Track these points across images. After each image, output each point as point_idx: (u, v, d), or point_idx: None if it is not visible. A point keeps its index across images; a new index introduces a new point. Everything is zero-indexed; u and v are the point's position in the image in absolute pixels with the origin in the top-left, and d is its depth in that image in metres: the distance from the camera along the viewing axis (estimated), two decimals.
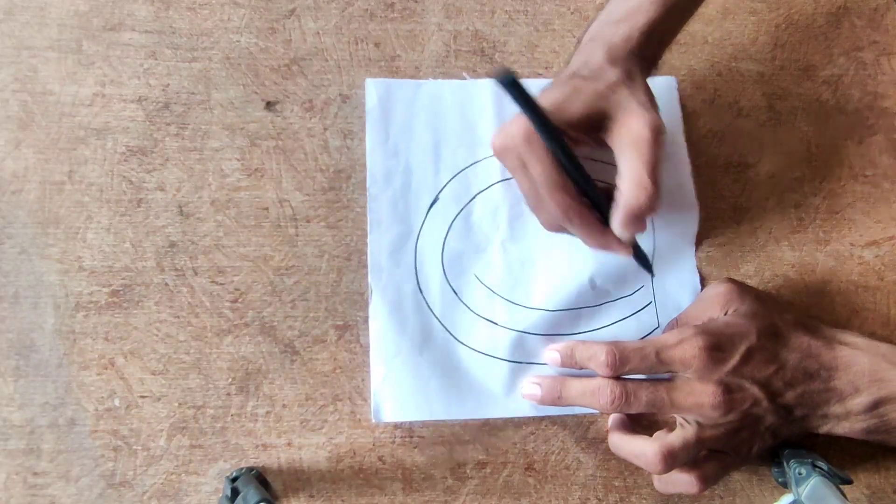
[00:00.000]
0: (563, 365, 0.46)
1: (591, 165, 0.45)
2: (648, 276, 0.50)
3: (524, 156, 0.42)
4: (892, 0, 0.58)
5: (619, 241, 0.44)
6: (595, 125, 0.43)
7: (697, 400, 0.42)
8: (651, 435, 0.43)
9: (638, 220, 0.43)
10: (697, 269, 0.51)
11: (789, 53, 0.56)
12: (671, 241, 0.51)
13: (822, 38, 0.57)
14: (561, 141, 0.41)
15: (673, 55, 0.55)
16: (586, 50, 0.45)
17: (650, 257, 0.50)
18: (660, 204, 0.42)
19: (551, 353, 0.46)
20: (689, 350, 0.42)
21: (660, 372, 0.43)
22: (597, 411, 0.47)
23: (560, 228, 0.45)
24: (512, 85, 0.37)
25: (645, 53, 0.45)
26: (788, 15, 0.57)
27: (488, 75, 0.37)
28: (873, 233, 0.53)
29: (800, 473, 0.43)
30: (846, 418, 0.43)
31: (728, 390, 0.42)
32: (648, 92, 0.44)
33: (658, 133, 0.41)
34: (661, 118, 0.42)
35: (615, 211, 0.43)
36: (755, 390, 0.42)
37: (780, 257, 0.52)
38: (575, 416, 0.47)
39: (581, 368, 0.45)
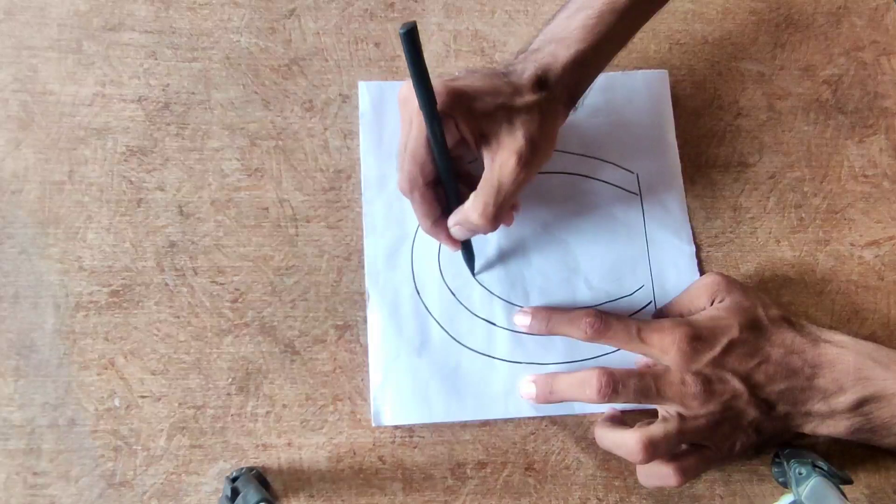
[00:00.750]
0: (533, 329, 0.47)
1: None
2: (647, 276, 0.50)
3: (413, 117, 0.43)
4: (893, 0, 0.58)
5: (448, 234, 0.46)
6: (485, 130, 0.43)
7: (679, 389, 0.42)
8: None
9: (468, 230, 0.45)
10: (698, 268, 0.51)
11: (789, 53, 0.56)
12: (668, 241, 0.51)
13: (822, 38, 0.57)
14: (435, 121, 0.41)
15: (673, 55, 0.55)
16: (526, 60, 0.45)
17: (473, 251, 0.49)
18: (490, 230, 0.44)
19: (522, 317, 0.47)
20: (668, 336, 0.43)
21: (637, 350, 0.44)
22: (594, 410, 0.47)
23: (406, 194, 0.46)
24: (410, 42, 0.37)
25: (571, 81, 0.45)
26: (788, 15, 0.57)
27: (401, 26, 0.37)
28: (873, 233, 0.53)
29: (800, 473, 0.43)
30: (830, 416, 0.44)
31: (707, 381, 0.42)
32: (546, 130, 0.44)
33: (524, 173, 0.42)
34: (524, 177, 0.43)
35: (456, 212, 0.45)
36: (736, 383, 0.43)
37: (780, 257, 0.52)
38: (575, 416, 0.47)
39: (554, 333, 0.47)
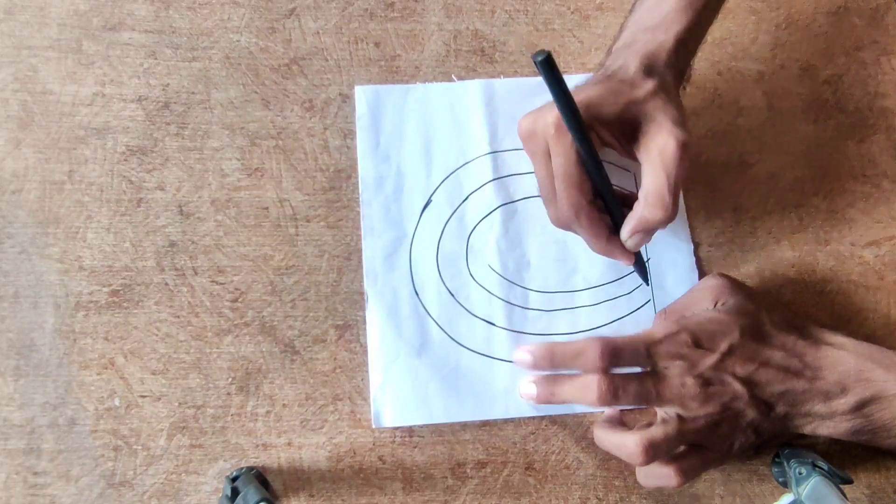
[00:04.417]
0: (535, 367, 0.44)
1: (611, 170, 0.47)
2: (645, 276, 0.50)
3: (550, 144, 0.43)
4: (893, 0, 0.58)
5: (623, 248, 0.46)
6: (625, 131, 0.44)
7: (679, 392, 0.42)
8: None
9: (649, 233, 0.45)
10: (697, 267, 0.51)
11: (789, 53, 0.56)
12: (667, 239, 0.51)
13: (822, 38, 0.57)
14: (586, 137, 0.42)
15: None
16: (622, 55, 0.46)
17: (645, 261, 0.50)
18: (671, 221, 0.43)
19: (522, 355, 0.44)
20: (674, 345, 0.43)
21: (648, 367, 0.44)
22: (594, 409, 0.47)
23: (567, 226, 0.46)
24: (548, 68, 0.38)
25: (678, 63, 0.46)
26: (789, 14, 0.57)
27: (533, 57, 0.38)
28: (873, 232, 0.53)
29: (800, 473, 0.43)
30: (830, 418, 0.44)
31: (707, 383, 0.42)
32: (680, 106, 0.45)
33: (685, 150, 0.42)
34: (687, 155, 0.43)
35: (628, 220, 0.45)
36: (736, 385, 0.43)
37: (780, 257, 0.52)
38: (575, 415, 0.47)
39: (560, 368, 0.45)
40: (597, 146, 0.43)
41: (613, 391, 0.42)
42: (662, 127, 0.43)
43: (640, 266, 0.49)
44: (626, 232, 0.45)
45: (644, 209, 0.43)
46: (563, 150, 0.43)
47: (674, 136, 0.42)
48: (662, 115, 0.43)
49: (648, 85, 0.43)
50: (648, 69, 0.44)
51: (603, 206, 0.45)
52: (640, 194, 0.44)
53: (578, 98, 0.42)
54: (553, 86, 0.39)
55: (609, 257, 0.47)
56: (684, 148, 0.42)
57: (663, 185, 0.42)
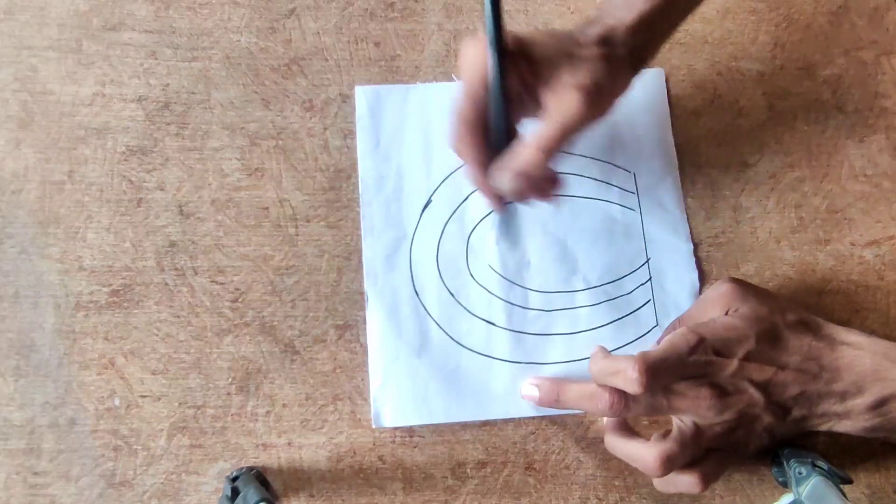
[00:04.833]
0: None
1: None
2: (646, 274, 0.50)
3: (470, 59, 0.41)
4: (893, 0, 0.58)
5: (491, 189, 0.43)
6: (543, 73, 0.42)
7: (694, 402, 0.41)
8: (648, 432, 0.43)
9: (513, 175, 0.42)
10: (697, 267, 0.51)
11: (789, 53, 0.56)
12: (666, 239, 0.51)
13: (822, 38, 0.57)
14: (501, 62, 0.40)
15: (673, 55, 0.55)
16: (586, 26, 0.44)
17: (518, 225, 0.49)
18: (539, 170, 0.41)
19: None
20: (701, 357, 0.42)
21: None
22: None
23: (454, 147, 0.44)
24: None
25: (635, 42, 0.44)
26: (788, 14, 0.57)
27: None
28: (873, 232, 0.53)
29: (800, 473, 0.43)
30: (847, 417, 0.43)
31: (725, 393, 0.42)
32: (612, 81, 0.43)
33: (584, 117, 0.41)
34: (587, 115, 0.41)
35: (504, 153, 0.42)
36: (753, 391, 0.42)
37: (780, 257, 0.52)
38: (575, 415, 0.47)
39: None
40: (514, 83, 0.41)
41: (623, 402, 0.41)
42: (579, 80, 0.41)
43: (510, 226, 0.48)
44: (492, 168, 0.42)
45: (524, 145, 0.41)
46: (477, 71, 0.41)
47: (583, 90, 0.41)
48: (588, 72, 0.41)
49: (595, 51, 0.42)
50: (603, 40, 0.43)
51: (496, 141, 0.43)
52: (528, 132, 0.42)
53: (522, 34, 0.41)
54: (491, 5, 0.39)
55: (480, 192, 0.45)
56: (588, 105, 0.41)
57: (551, 129, 0.41)
